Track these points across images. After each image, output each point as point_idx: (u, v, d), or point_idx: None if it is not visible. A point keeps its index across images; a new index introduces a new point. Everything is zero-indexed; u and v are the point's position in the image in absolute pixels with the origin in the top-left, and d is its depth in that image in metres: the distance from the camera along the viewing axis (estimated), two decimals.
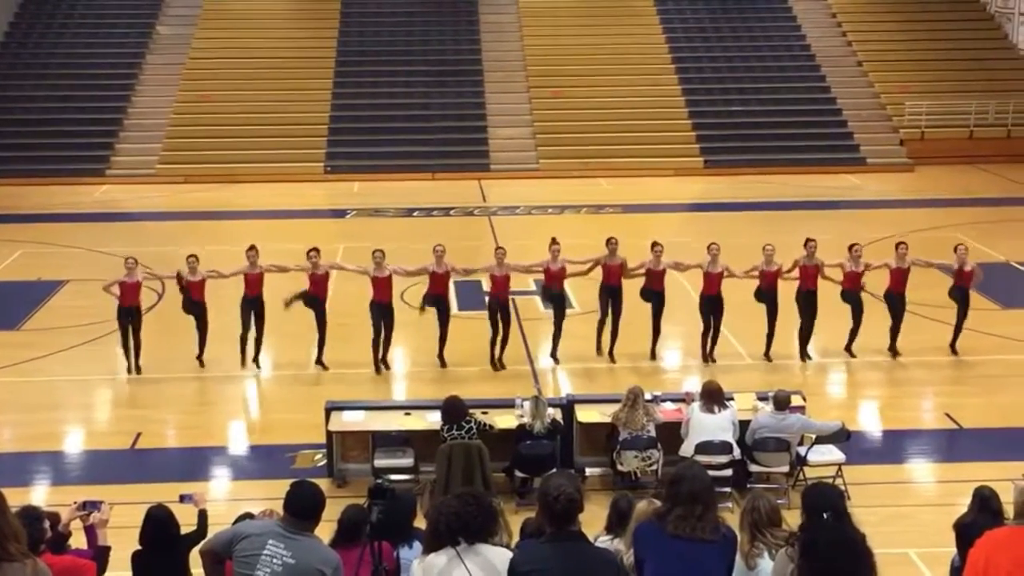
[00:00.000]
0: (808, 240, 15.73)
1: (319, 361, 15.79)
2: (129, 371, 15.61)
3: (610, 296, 15.91)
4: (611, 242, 15.80)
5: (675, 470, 6.03)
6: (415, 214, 26.33)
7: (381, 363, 15.62)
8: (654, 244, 15.84)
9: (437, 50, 35.45)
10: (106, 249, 21.89)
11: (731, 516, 10.47)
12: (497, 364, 15.79)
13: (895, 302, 15.90)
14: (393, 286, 15.57)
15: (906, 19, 35.89)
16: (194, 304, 15.55)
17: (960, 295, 15.96)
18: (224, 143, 31.08)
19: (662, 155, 30.82)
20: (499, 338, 15.72)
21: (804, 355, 16.01)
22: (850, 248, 15.80)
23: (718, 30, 36.23)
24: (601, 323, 16.10)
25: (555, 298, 15.98)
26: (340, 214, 27.13)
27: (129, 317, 15.45)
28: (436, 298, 15.58)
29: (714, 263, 15.65)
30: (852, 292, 15.70)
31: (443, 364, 15.73)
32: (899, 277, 15.77)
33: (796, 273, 15.77)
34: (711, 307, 15.81)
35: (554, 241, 15.93)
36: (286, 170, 30.11)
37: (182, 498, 8.09)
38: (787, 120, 32.51)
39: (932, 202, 27.13)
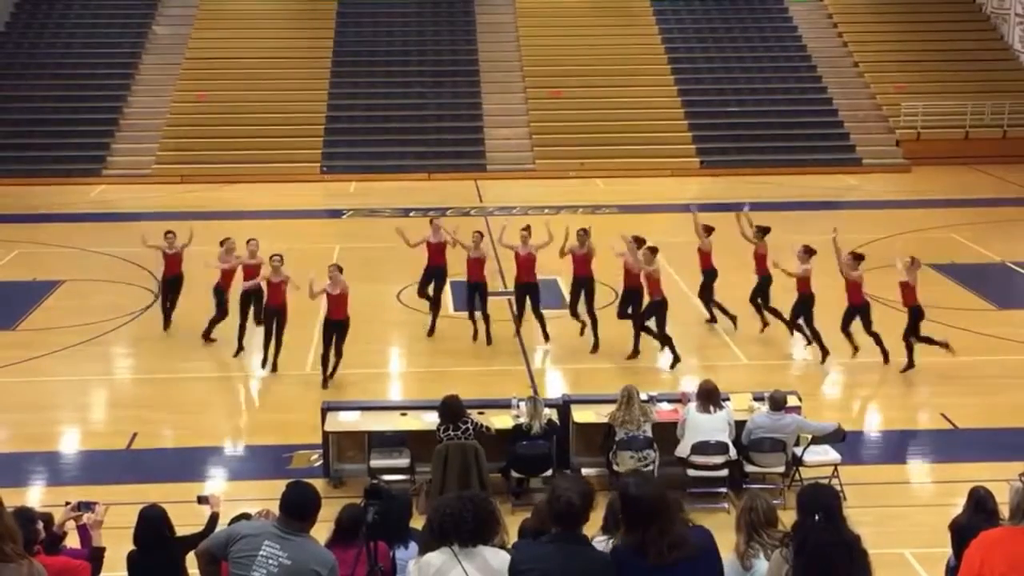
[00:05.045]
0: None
1: (274, 366, 15.42)
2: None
3: (582, 287, 16.07)
4: (581, 233, 16.08)
5: (611, 498, 5.97)
6: (411, 214, 26.28)
7: (328, 379, 14.97)
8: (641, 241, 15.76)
9: (433, 50, 35.44)
10: (102, 249, 21.87)
11: (727, 517, 10.51)
12: (480, 336, 16.30)
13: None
14: (348, 303, 15.01)
15: (902, 20, 35.91)
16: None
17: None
18: (220, 143, 31.03)
19: (658, 155, 30.80)
20: (480, 315, 16.19)
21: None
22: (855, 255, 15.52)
23: (714, 30, 36.23)
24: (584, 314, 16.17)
25: (530, 288, 16.20)
26: (336, 214, 27.10)
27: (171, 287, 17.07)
28: (436, 269, 16.28)
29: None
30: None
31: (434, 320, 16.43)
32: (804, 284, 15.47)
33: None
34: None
35: (525, 228, 16.29)
36: (282, 170, 30.07)
37: (199, 499, 8.13)
38: (783, 120, 32.53)
39: (928, 202, 27.14)
